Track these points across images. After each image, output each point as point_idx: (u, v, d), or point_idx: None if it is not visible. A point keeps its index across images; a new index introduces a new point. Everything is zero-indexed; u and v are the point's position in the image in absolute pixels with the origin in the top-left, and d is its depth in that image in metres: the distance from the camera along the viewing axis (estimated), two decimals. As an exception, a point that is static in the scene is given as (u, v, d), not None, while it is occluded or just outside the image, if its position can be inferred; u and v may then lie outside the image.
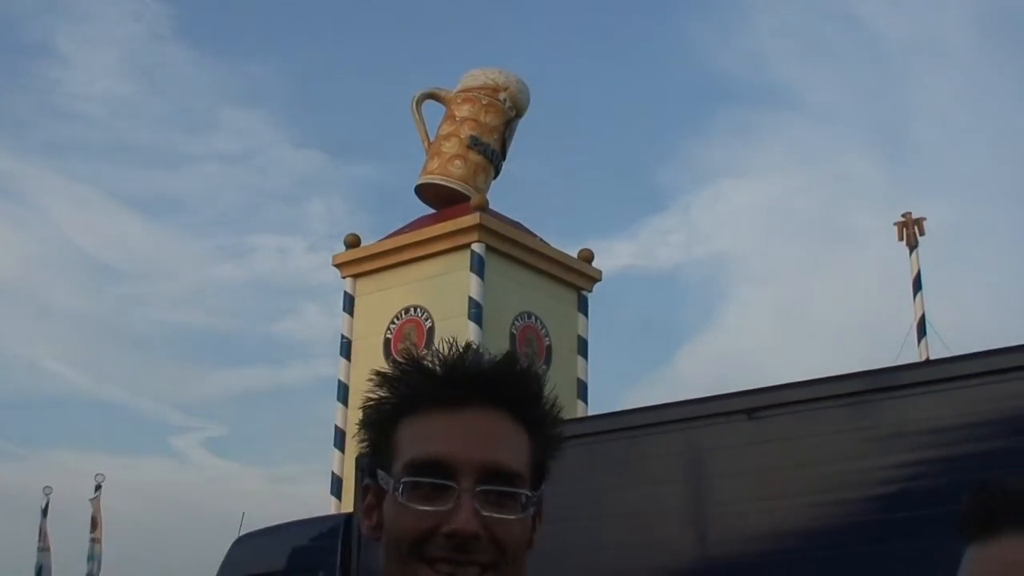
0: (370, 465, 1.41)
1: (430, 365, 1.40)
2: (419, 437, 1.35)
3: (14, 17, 58.75)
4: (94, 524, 31.68)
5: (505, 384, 1.39)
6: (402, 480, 1.33)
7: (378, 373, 1.42)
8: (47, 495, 33.19)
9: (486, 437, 1.36)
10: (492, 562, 1.32)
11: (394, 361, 1.44)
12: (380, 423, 1.40)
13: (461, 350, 1.40)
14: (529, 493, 1.36)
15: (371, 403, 1.42)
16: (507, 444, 1.37)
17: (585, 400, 21.10)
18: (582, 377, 21.55)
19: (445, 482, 1.33)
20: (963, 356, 8.59)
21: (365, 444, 1.43)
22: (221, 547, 12.76)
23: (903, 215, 24.11)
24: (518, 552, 1.34)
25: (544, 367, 20.75)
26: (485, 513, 1.32)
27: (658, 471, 9.06)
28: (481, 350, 1.42)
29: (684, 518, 9.05)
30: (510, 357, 1.41)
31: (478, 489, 1.33)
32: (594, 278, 22.49)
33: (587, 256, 22.44)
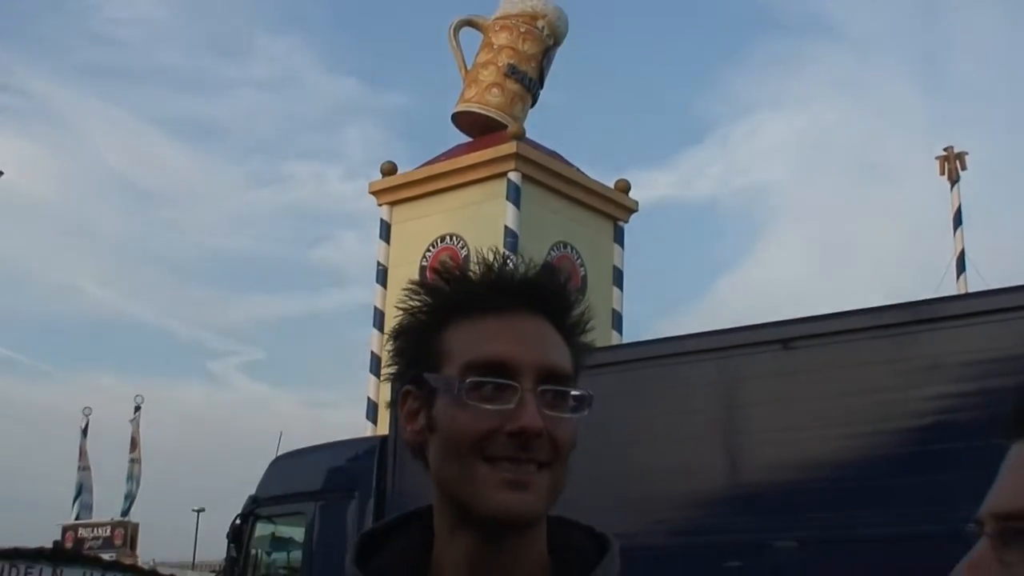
0: (408, 372, 1.44)
1: (474, 274, 1.43)
2: (475, 340, 1.38)
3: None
4: (133, 444, 32.11)
5: (545, 292, 1.43)
6: (466, 380, 1.35)
7: (417, 282, 1.46)
8: (87, 416, 33.68)
9: (540, 340, 1.39)
10: (548, 460, 1.35)
11: (434, 270, 1.46)
12: (423, 329, 1.42)
13: (501, 260, 1.44)
14: (585, 393, 1.39)
15: (413, 310, 1.45)
16: (557, 346, 1.40)
17: (620, 330, 21.14)
18: (617, 308, 21.57)
19: (509, 382, 1.35)
20: (1000, 289, 8.55)
21: (402, 351, 1.45)
22: (258, 468, 12.94)
23: (945, 149, 23.90)
24: (569, 452, 1.37)
25: (579, 297, 20.74)
26: (546, 412, 1.35)
27: (692, 400, 9.09)
28: (518, 263, 1.46)
29: (717, 446, 9.09)
30: (548, 268, 1.46)
31: (540, 389, 1.36)
32: (630, 209, 22.43)
33: (623, 187, 22.37)
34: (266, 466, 12.88)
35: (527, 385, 1.35)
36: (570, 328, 1.44)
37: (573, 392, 1.39)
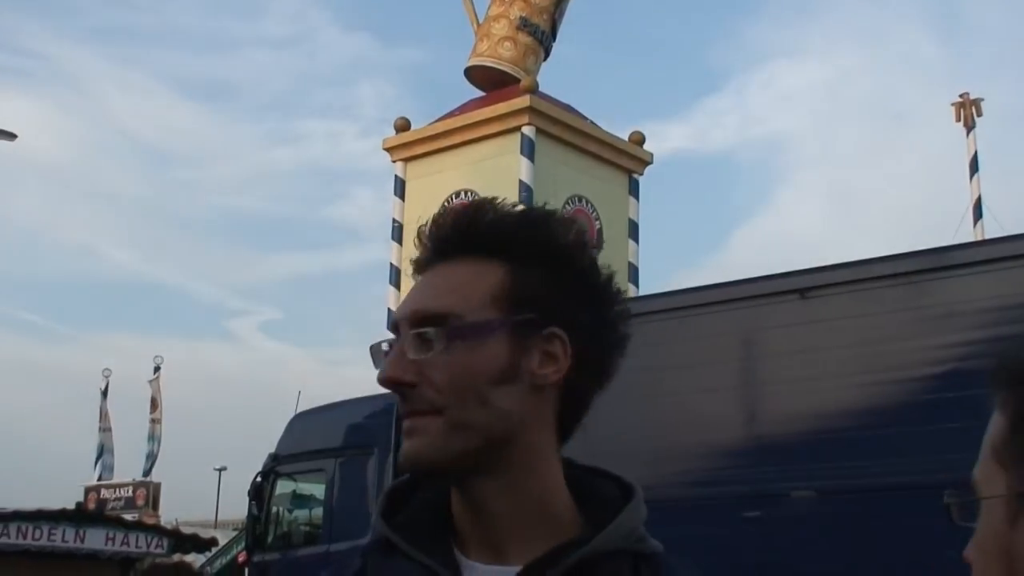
0: None
1: (421, 233, 1.43)
2: None
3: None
4: (154, 405, 32.27)
5: (477, 231, 1.38)
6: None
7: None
8: (106, 377, 33.81)
9: (426, 287, 1.38)
10: (437, 407, 1.32)
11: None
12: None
13: (462, 208, 1.42)
14: (441, 329, 1.33)
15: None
16: (445, 288, 1.36)
17: (636, 284, 21.10)
18: (633, 261, 21.52)
19: (395, 336, 1.37)
20: (1017, 236, 8.51)
21: None
22: (278, 426, 13.01)
23: (960, 96, 23.75)
24: (467, 389, 1.31)
25: (595, 251, 20.72)
26: (413, 358, 1.33)
27: (710, 351, 9.10)
28: (498, 203, 1.42)
29: (735, 397, 9.10)
30: (473, 206, 1.42)
31: (412, 334, 1.34)
32: (645, 161, 22.33)
33: (638, 139, 22.26)
34: (285, 424, 12.97)
35: (401, 336, 1.35)
36: (520, 252, 1.37)
37: (419, 331, 1.33)
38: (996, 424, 1.02)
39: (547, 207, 1.45)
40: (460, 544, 1.36)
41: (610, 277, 1.42)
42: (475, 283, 1.36)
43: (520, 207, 1.43)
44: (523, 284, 1.35)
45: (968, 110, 23.47)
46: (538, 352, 1.33)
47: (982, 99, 23.71)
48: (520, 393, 1.33)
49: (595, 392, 1.39)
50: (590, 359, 1.36)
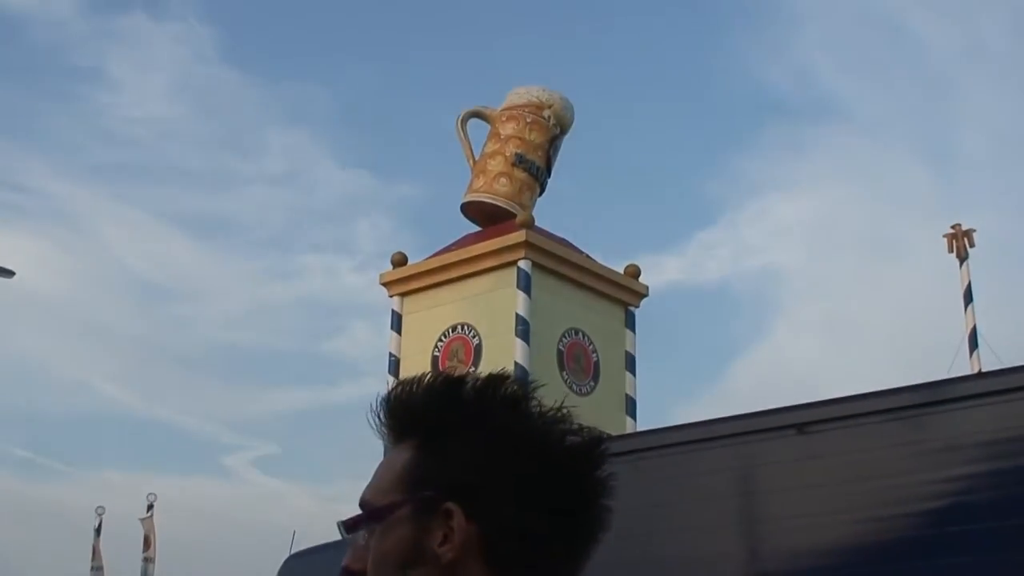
0: None
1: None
2: None
3: (65, 42, 59.62)
4: (147, 543, 31.92)
5: (391, 416, 1.39)
6: None
7: None
8: (99, 515, 33.48)
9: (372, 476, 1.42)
10: None
11: None
12: None
13: (382, 396, 1.42)
14: (348, 520, 1.38)
15: None
16: (373, 476, 1.40)
17: (634, 416, 21.05)
18: (630, 393, 21.50)
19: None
20: (1016, 368, 8.51)
21: None
22: (273, 566, 12.85)
23: (952, 227, 23.91)
24: (376, 571, 1.34)
25: (592, 383, 20.72)
26: (362, 544, 1.38)
27: (708, 487, 9.03)
28: (416, 381, 1.41)
29: (734, 533, 9.01)
30: (393, 390, 1.41)
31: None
32: (641, 294, 22.45)
33: (634, 272, 22.41)
34: (280, 564, 12.82)
35: None
36: (429, 428, 1.36)
37: (348, 521, 1.38)
38: None
39: (459, 374, 1.41)
40: None
41: (546, 431, 1.37)
42: (388, 468, 1.38)
43: (431, 380, 1.40)
44: (427, 461, 1.35)
45: (960, 241, 23.62)
46: (440, 530, 1.31)
47: (974, 230, 23.88)
48: (430, 574, 1.31)
49: (540, 553, 1.33)
50: (510, 524, 1.31)
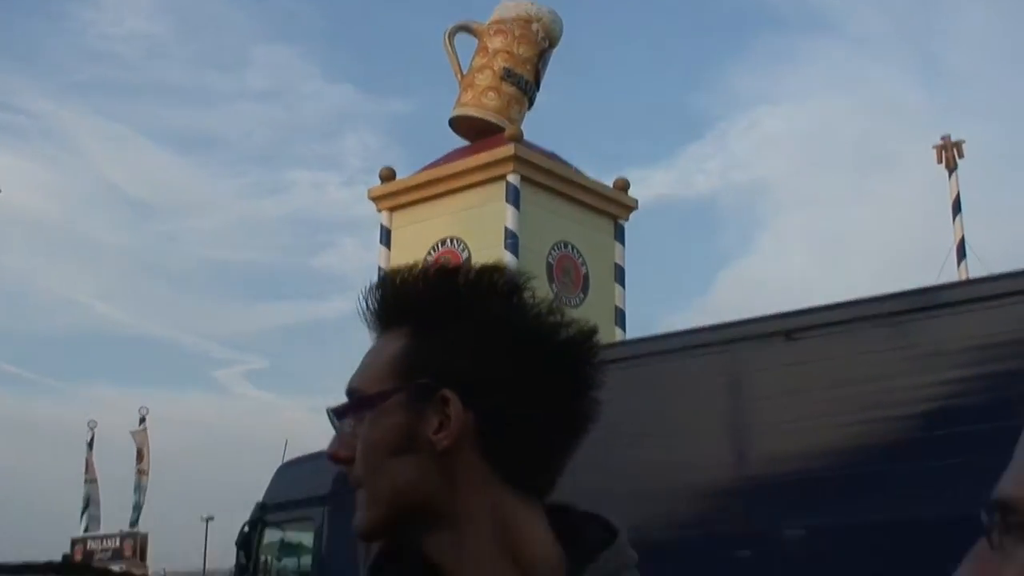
0: None
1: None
2: None
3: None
4: (140, 456, 32.11)
5: (383, 304, 1.40)
6: None
7: None
8: (92, 428, 33.72)
9: (359, 364, 1.42)
10: (359, 482, 1.36)
11: None
12: None
13: (374, 284, 1.42)
14: (337, 406, 1.38)
15: None
16: (361, 364, 1.40)
17: (624, 328, 21.14)
18: (620, 305, 21.57)
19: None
20: (1000, 275, 8.58)
21: None
22: (266, 475, 12.97)
23: (942, 138, 23.93)
24: (371, 463, 1.34)
25: (581, 296, 20.79)
26: (349, 432, 1.38)
27: (697, 394, 9.12)
28: (407, 270, 1.41)
29: (724, 438, 9.12)
30: (384, 278, 1.43)
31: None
32: (630, 207, 22.44)
33: (622, 185, 22.39)
34: (273, 473, 12.92)
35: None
36: (421, 316, 1.37)
37: (337, 408, 1.38)
38: None
39: (455, 263, 1.43)
40: None
41: (540, 323, 1.37)
42: (379, 355, 1.38)
43: (424, 269, 1.40)
44: (421, 349, 1.35)
45: (950, 152, 23.65)
46: (435, 417, 1.32)
47: (963, 141, 23.91)
48: (423, 461, 1.32)
49: (534, 442, 1.35)
50: (505, 413, 1.32)
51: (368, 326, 1.41)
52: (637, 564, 1.37)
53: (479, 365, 1.32)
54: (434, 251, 20.56)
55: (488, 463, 1.32)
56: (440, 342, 1.34)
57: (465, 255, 20.08)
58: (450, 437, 1.30)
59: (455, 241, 20.49)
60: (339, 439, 1.38)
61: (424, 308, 1.36)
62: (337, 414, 1.38)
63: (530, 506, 1.35)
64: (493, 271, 1.39)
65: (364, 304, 1.40)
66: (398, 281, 1.39)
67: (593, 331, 1.40)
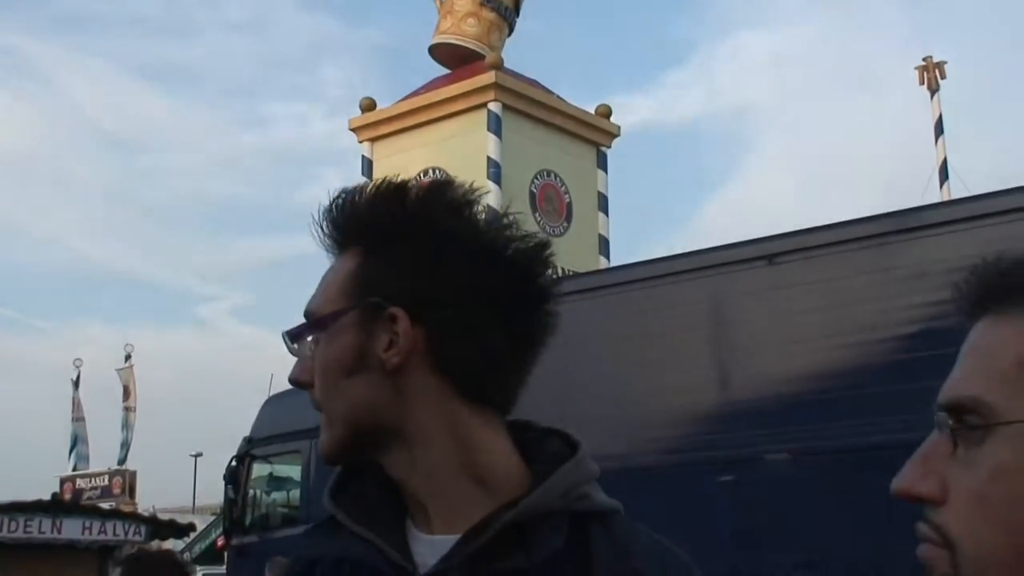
0: None
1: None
2: None
3: None
4: (126, 393, 32.15)
5: (334, 224, 1.39)
6: None
7: None
8: (78, 367, 33.64)
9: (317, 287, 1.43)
10: (319, 404, 1.37)
11: None
12: None
13: (325, 206, 1.40)
14: (289, 331, 1.39)
15: None
16: (318, 287, 1.40)
17: (608, 256, 21.17)
18: (603, 233, 21.58)
19: None
20: (982, 195, 8.56)
21: None
22: (252, 410, 13.00)
23: (924, 59, 23.84)
24: (327, 383, 1.35)
25: (565, 225, 20.77)
26: (308, 356, 1.39)
27: (680, 319, 9.13)
28: (357, 189, 1.40)
29: (707, 363, 9.14)
30: (339, 195, 1.41)
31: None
32: (612, 134, 22.38)
33: (605, 112, 22.30)
34: (259, 407, 12.95)
35: None
36: (371, 236, 1.36)
37: (293, 331, 1.39)
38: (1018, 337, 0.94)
39: (401, 179, 1.40)
40: (415, 517, 1.37)
41: (490, 237, 1.36)
42: (333, 277, 1.39)
43: (374, 188, 1.39)
44: (370, 268, 1.35)
45: (932, 73, 23.56)
46: (385, 336, 1.32)
47: (945, 62, 23.81)
48: (376, 380, 1.32)
49: (486, 357, 1.33)
50: (454, 328, 1.32)
51: (325, 248, 1.40)
52: (598, 478, 1.36)
53: (426, 282, 1.32)
54: (416, 181, 20.47)
55: (441, 380, 1.32)
56: (389, 260, 1.34)
57: (447, 185, 20.02)
58: (400, 355, 1.31)
59: (437, 171, 20.41)
60: (300, 363, 1.38)
61: (374, 227, 1.36)
62: (291, 336, 1.38)
63: (488, 422, 1.34)
64: (443, 186, 1.38)
65: (319, 227, 1.39)
66: (347, 201, 1.38)
67: (545, 244, 1.39)
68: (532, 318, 1.36)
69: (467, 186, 1.40)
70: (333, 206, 1.39)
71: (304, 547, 1.45)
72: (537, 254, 1.37)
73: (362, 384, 1.33)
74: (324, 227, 1.39)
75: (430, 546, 1.33)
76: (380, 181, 1.40)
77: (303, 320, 1.38)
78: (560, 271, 18.50)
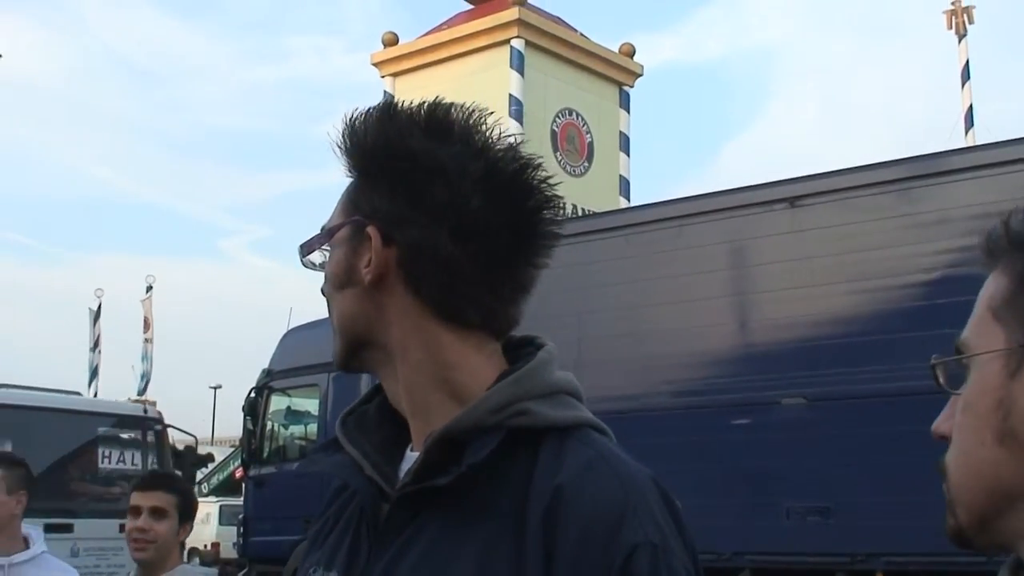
0: None
1: None
2: None
3: None
4: (146, 324, 32.26)
5: (342, 148, 1.42)
6: None
7: None
8: (99, 297, 33.77)
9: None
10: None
11: None
12: None
13: (344, 126, 1.43)
14: (314, 238, 1.45)
15: None
16: (338, 204, 1.45)
17: (628, 197, 21.08)
18: (624, 174, 21.48)
19: None
20: (1007, 141, 8.49)
21: None
22: (271, 342, 13.06)
23: (952, 3, 23.55)
24: (328, 296, 1.43)
25: (586, 164, 20.69)
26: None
27: (700, 260, 9.10)
28: (357, 114, 1.43)
29: (725, 306, 9.12)
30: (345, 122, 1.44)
31: None
32: (636, 73, 22.20)
33: (628, 51, 22.11)
34: (278, 340, 13.01)
35: None
36: (359, 159, 1.41)
37: (299, 244, 1.46)
38: (995, 285, 1.05)
39: (388, 103, 1.43)
40: (413, 438, 1.39)
41: (464, 157, 1.37)
42: (341, 196, 1.44)
43: (368, 111, 1.42)
44: (359, 188, 1.41)
45: (960, 17, 23.29)
46: (366, 253, 1.36)
47: (973, 6, 23.53)
48: (359, 295, 1.38)
49: (458, 276, 1.35)
50: (423, 250, 1.35)
51: (345, 171, 1.45)
52: (571, 385, 1.37)
53: (398, 203, 1.36)
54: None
55: (416, 298, 1.35)
56: (371, 180, 1.39)
57: (469, 122, 19.95)
58: (372, 271, 1.35)
59: (458, 108, 20.34)
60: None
61: (365, 149, 1.40)
62: (302, 249, 1.45)
63: (465, 340, 1.36)
64: (434, 108, 1.40)
65: (336, 150, 1.43)
66: (351, 127, 1.41)
67: (530, 163, 1.40)
68: (509, 238, 1.37)
69: (459, 108, 1.41)
70: (343, 129, 1.42)
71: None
72: (519, 178, 1.38)
73: (350, 298, 1.39)
74: (337, 150, 1.43)
75: (409, 464, 1.36)
76: (371, 106, 1.42)
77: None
78: (579, 210, 18.45)
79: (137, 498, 3.92)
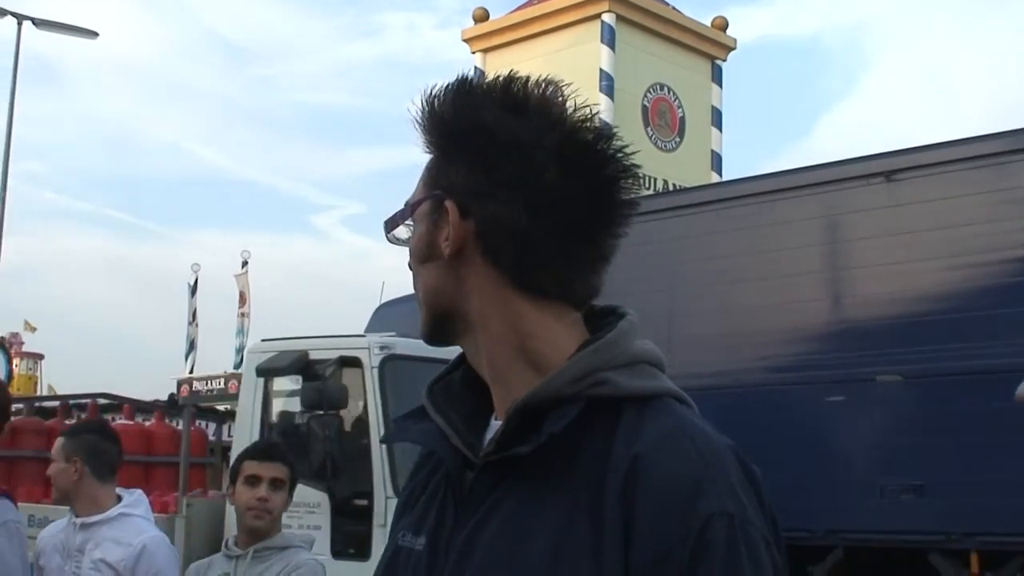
0: None
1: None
2: None
3: None
4: (242, 299, 32.66)
5: (421, 124, 1.45)
6: None
7: None
8: (195, 272, 34.27)
9: None
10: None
11: None
12: None
13: (422, 103, 1.45)
14: (398, 213, 1.48)
15: None
16: (420, 179, 1.48)
17: (720, 172, 20.95)
18: (716, 149, 21.34)
19: None
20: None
21: None
22: (363, 316, 13.16)
23: (1054, -28, 23.02)
24: (413, 271, 1.46)
25: (677, 139, 20.57)
26: None
27: (795, 235, 9.02)
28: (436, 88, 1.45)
29: (820, 281, 9.04)
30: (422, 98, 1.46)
31: None
32: (729, 47, 22.02)
33: (721, 24, 21.94)
34: (371, 314, 13.12)
35: None
36: (440, 135, 1.43)
37: (385, 219, 1.49)
38: None
39: (466, 77, 1.45)
40: (497, 407, 1.42)
41: (542, 131, 1.39)
42: (423, 172, 1.47)
43: (445, 86, 1.44)
44: (438, 163, 1.44)
45: (1063, -13, 22.77)
46: (446, 227, 1.39)
47: (1078, -25, 22.98)
48: (440, 268, 1.41)
49: (537, 249, 1.37)
50: (498, 222, 1.37)
51: (424, 147, 1.48)
52: (652, 355, 1.38)
53: (473, 176, 1.39)
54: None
55: (493, 269, 1.38)
56: (450, 157, 1.42)
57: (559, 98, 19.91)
58: (451, 245, 1.38)
59: (549, 84, 20.32)
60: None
61: (442, 125, 1.42)
62: (387, 224, 1.50)
63: (546, 310, 1.39)
64: (509, 82, 1.42)
65: (416, 126, 1.46)
66: (429, 102, 1.44)
67: (605, 132, 1.42)
68: (588, 211, 1.39)
69: (536, 82, 1.43)
70: (422, 104, 1.44)
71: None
72: (594, 148, 1.40)
73: (432, 271, 1.42)
74: (417, 126, 1.46)
75: (492, 432, 1.39)
76: (448, 82, 1.45)
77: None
78: (671, 185, 18.36)
79: (255, 467, 4.02)
